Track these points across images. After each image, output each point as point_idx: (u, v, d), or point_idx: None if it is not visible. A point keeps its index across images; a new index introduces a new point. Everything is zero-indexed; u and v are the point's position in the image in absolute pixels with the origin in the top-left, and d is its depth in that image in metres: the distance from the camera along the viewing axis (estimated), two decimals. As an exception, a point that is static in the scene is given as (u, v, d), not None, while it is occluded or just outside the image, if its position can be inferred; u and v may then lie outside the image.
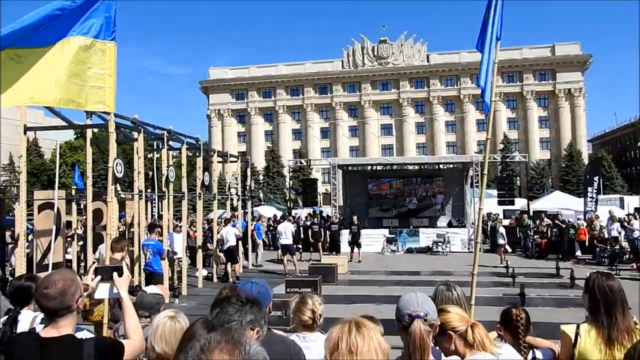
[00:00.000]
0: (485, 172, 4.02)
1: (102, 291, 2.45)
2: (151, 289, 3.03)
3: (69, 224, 9.84)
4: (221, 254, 12.28)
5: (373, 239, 18.50)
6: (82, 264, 9.95)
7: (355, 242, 15.66)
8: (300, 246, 16.34)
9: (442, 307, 2.10)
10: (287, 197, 34.05)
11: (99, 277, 2.46)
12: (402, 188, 21.25)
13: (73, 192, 13.14)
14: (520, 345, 2.54)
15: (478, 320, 2.13)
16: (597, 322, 2.35)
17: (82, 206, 13.01)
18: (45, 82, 3.02)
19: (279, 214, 22.26)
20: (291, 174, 31.76)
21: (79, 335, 1.97)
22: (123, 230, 10.15)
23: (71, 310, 1.98)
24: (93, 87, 3.34)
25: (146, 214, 11.55)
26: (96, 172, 32.75)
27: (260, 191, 48.84)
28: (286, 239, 13.10)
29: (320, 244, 16.08)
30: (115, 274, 2.42)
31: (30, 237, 7.90)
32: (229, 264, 11.92)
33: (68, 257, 8.75)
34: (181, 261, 10.36)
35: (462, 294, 2.49)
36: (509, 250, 15.30)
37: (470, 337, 1.94)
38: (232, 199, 16.02)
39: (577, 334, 2.34)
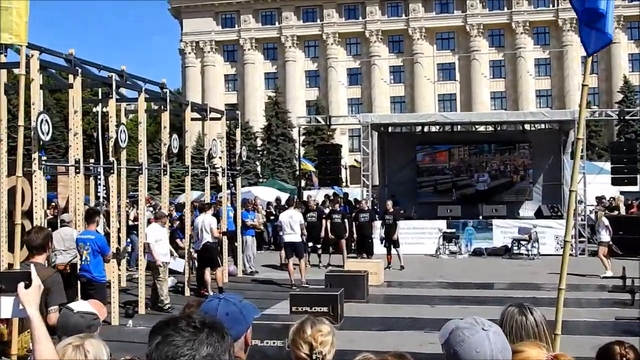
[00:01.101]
0: (581, 135, 4.04)
1: (6, 308, 2.53)
2: (80, 306, 3.08)
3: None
4: (195, 255, 12.62)
5: (423, 236, 18.94)
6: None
7: (389, 239, 16.11)
8: (313, 244, 16.59)
9: (515, 346, 2.08)
10: (297, 172, 34.65)
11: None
12: (468, 159, 21.67)
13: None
14: None
15: (574, 356, 2.16)
16: None
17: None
18: None
19: (284, 196, 22.07)
20: (303, 137, 33.03)
21: None
22: (52, 219, 10.27)
23: None
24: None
25: (90, 194, 11.61)
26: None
27: (257, 163, 48.86)
28: (292, 234, 13.27)
29: (343, 241, 16.34)
30: (20, 285, 2.46)
31: None
32: (206, 270, 12.18)
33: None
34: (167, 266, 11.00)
35: (543, 319, 2.53)
36: (619, 251, 15.37)
37: None
38: (214, 175, 16.12)
39: None
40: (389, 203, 16.50)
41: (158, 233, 11.03)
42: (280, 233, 14.07)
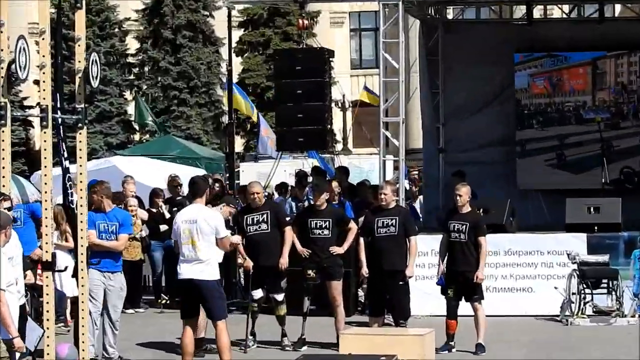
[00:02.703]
0: None
1: None
2: None
3: None
4: None
5: (531, 271, 14.78)
6: None
7: (458, 281, 12.57)
8: (260, 284, 13.02)
9: None
10: (224, 120, 33.25)
11: None
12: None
13: None
14: None
15: None
16: None
17: None
18: None
19: (185, 172, 19.08)
20: (241, 33, 30.66)
21: None
22: None
23: None
24: None
25: None
26: None
27: (129, 96, 37.74)
28: (198, 262, 10.32)
29: (337, 285, 12.69)
30: None
31: None
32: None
33: None
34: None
35: None
36: None
37: None
38: (25, 123, 17.57)
39: None
40: (463, 192, 12.14)
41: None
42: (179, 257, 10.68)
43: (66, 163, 11.24)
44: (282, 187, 19.06)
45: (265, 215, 12.20)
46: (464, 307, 11.99)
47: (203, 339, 11.48)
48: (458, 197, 11.79)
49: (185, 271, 9.81)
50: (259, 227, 12.41)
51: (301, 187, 17.29)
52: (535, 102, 18.03)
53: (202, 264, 9.80)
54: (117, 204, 13.27)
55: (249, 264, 12.25)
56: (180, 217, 10.16)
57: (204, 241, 9.78)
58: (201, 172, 20.64)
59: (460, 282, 11.78)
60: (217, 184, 15.99)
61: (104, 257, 10.85)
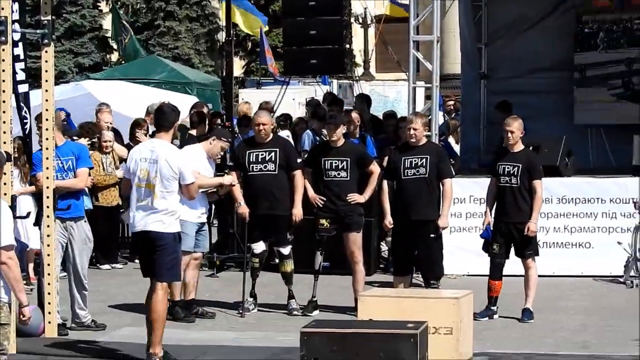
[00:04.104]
0: None
1: None
2: None
3: None
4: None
5: (588, 222, 14.97)
6: None
7: (505, 235, 12.69)
8: (260, 237, 13.11)
9: None
10: (221, 37, 33.23)
11: None
12: None
13: None
14: None
15: None
16: None
17: None
18: None
19: (182, 104, 18.18)
20: None
21: None
22: None
23: None
24: None
25: None
26: None
27: (99, 8, 38.33)
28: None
29: (356, 237, 12.70)
30: None
31: None
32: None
33: None
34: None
35: None
36: None
37: None
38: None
39: None
40: (515, 127, 12.25)
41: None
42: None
43: (22, 87, 11.16)
44: (285, 120, 19.01)
45: (273, 154, 12.26)
46: (508, 267, 12.06)
47: (193, 300, 11.64)
48: (509, 134, 11.75)
49: (140, 222, 9.80)
50: (265, 166, 12.47)
51: (319, 120, 17.26)
52: (599, 19, 17.71)
53: (158, 213, 9.79)
54: (89, 137, 14.00)
55: (245, 210, 12.24)
56: (138, 153, 9.96)
57: (163, 187, 9.70)
58: (192, 99, 21.06)
59: (510, 234, 11.86)
60: (218, 121, 16.80)
61: (62, 200, 10.83)
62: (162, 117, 10.36)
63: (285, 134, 17.89)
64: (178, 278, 10.35)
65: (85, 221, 11.15)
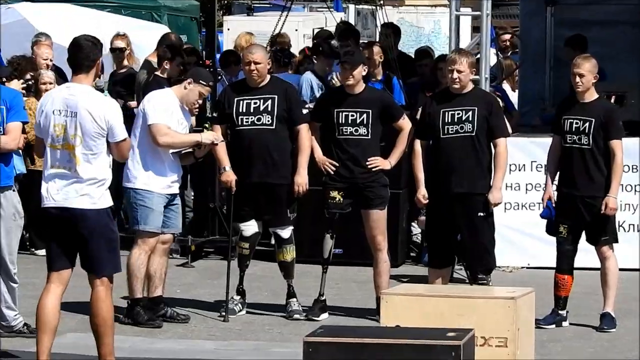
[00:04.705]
0: None
1: None
2: None
3: None
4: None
5: None
6: None
7: (574, 216, 12.50)
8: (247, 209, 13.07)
9: None
10: None
11: None
12: None
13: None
14: None
15: None
16: None
17: None
18: None
19: (134, 29, 20.82)
20: None
21: None
22: None
23: None
24: None
25: None
26: None
27: None
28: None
29: (380, 214, 12.63)
30: None
31: None
32: None
33: None
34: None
35: None
36: None
37: None
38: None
39: None
40: (586, 69, 12.24)
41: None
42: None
43: None
44: (281, 56, 18.70)
45: (270, 102, 12.21)
46: (579, 257, 12.09)
47: (160, 298, 11.42)
48: (578, 78, 11.62)
49: (56, 195, 9.49)
50: (258, 119, 12.41)
51: (325, 57, 17.23)
52: None
53: (83, 184, 9.53)
54: (23, 78, 13.45)
55: (231, 177, 12.06)
56: (49, 103, 9.64)
57: (86, 147, 9.44)
58: (162, 29, 21.55)
59: (579, 213, 11.72)
60: (191, 57, 16.49)
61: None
62: (80, 53, 9.89)
63: (285, 75, 17.39)
64: (119, 268, 9.97)
65: (14, 190, 10.71)
